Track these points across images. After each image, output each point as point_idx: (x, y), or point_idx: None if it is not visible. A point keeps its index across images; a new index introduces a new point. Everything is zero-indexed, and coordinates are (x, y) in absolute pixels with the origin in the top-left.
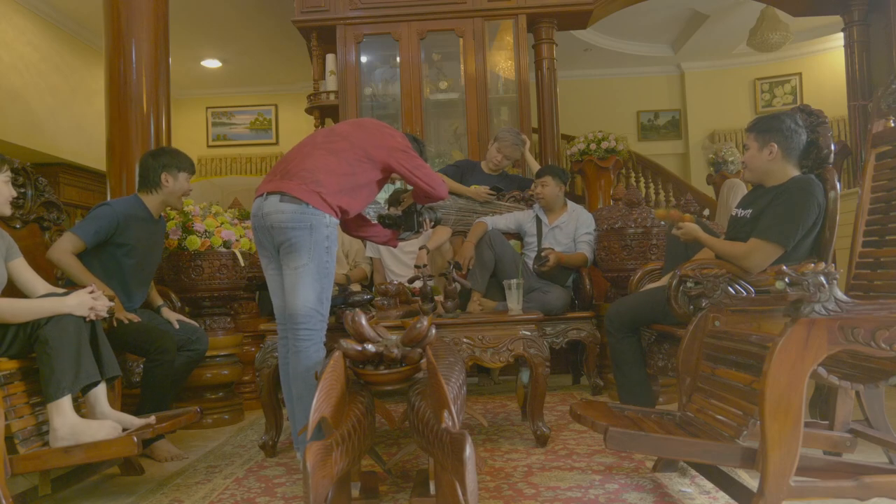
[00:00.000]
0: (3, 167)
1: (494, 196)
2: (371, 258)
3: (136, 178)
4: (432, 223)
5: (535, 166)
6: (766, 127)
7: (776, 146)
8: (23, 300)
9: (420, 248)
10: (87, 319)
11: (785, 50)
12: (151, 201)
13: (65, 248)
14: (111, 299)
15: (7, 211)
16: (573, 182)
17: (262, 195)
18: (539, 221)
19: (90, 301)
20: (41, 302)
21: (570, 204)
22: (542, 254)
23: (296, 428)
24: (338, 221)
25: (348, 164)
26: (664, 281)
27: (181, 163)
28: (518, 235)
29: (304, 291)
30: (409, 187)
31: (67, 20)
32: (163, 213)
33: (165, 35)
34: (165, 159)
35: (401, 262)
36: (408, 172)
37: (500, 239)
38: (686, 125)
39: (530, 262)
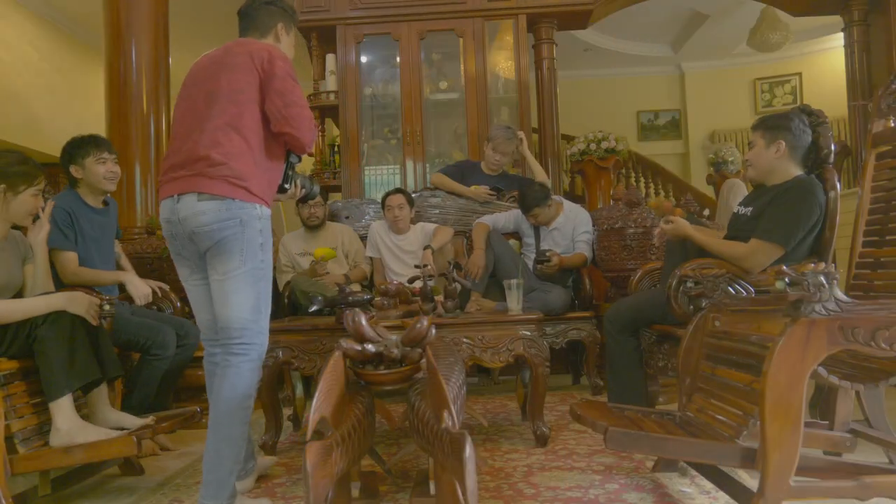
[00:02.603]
0: (37, 178)
1: (494, 196)
2: (371, 258)
3: None
4: (302, 189)
5: (536, 168)
6: (774, 124)
7: (784, 143)
8: (15, 300)
9: (425, 248)
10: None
11: (785, 50)
12: (83, 193)
13: (70, 267)
14: (110, 303)
15: (28, 223)
16: (573, 182)
17: (171, 196)
18: (536, 226)
19: (84, 297)
20: (34, 300)
21: (567, 204)
22: (547, 254)
23: (216, 481)
24: (269, 212)
25: (253, 131)
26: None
27: (82, 150)
28: (517, 235)
29: (237, 300)
30: None
31: (67, 20)
32: (107, 200)
33: (165, 35)
34: (67, 155)
35: (401, 261)
36: (279, 114)
37: (499, 239)
38: (686, 125)
39: (530, 263)
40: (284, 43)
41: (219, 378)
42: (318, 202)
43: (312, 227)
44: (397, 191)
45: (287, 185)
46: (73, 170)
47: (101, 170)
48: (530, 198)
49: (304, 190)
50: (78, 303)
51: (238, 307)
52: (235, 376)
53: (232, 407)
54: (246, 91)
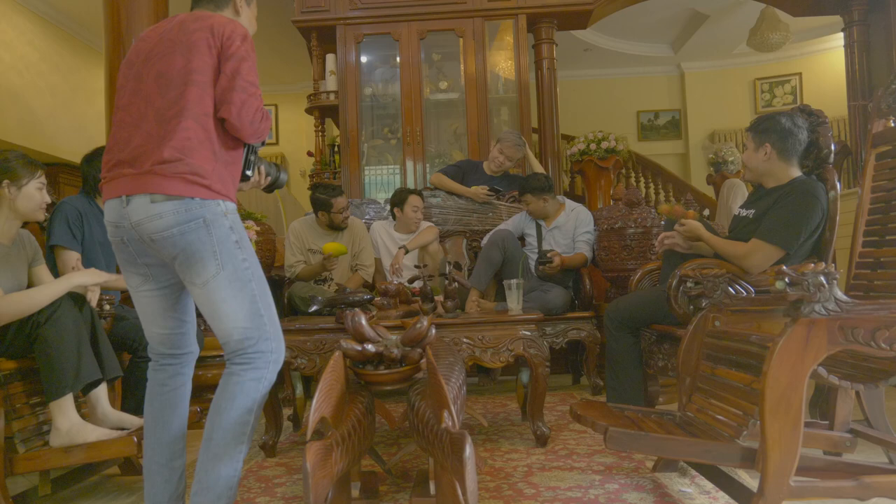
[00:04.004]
0: (36, 172)
1: (493, 196)
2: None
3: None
4: (267, 176)
5: (537, 167)
6: (762, 127)
7: (770, 147)
8: (32, 289)
9: (399, 248)
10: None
11: (785, 50)
12: (101, 202)
13: (71, 267)
14: (110, 303)
15: (41, 216)
16: (573, 182)
17: (118, 197)
18: (538, 225)
19: (95, 271)
20: (52, 283)
21: (568, 203)
22: (548, 255)
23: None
24: (235, 205)
25: (212, 118)
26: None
27: None
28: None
29: (228, 309)
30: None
31: (67, 20)
32: None
33: None
34: (97, 163)
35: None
36: (221, 97)
37: (513, 243)
38: (686, 125)
39: (531, 263)
40: (244, 16)
41: (220, 387)
42: (345, 204)
43: (342, 228)
44: (418, 192)
45: (249, 172)
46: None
47: None
48: (529, 185)
49: (269, 178)
50: (93, 276)
51: (232, 317)
52: (236, 386)
53: (228, 422)
54: (204, 72)
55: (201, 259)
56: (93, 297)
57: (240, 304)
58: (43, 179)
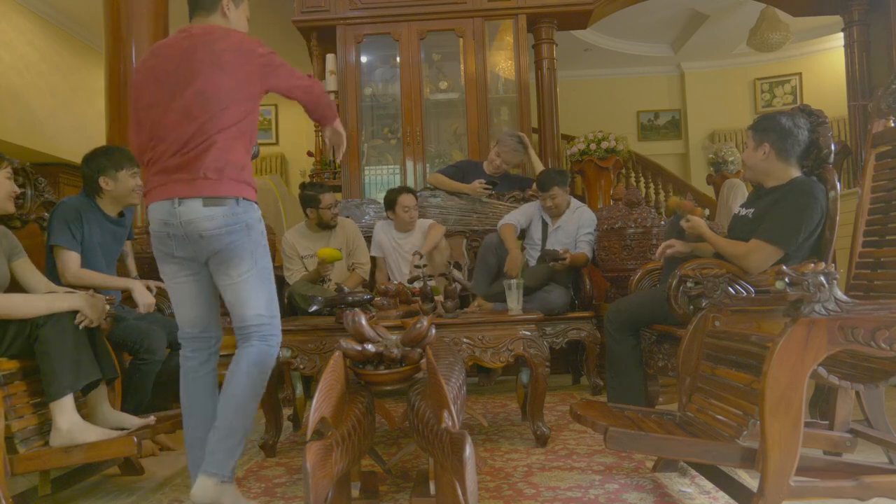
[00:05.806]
0: (3, 161)
1: (490, 189)
2: (374, 257)
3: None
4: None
5: (539, 167)
6: (762, 126)
7: (768, 146)
8: (33, 295)
9: (413, 254)
10: (79, 323)
11: (785, 50)
12: (101, 203)
13: (72, 269)
14: (110, 303)
15: (11, 207)
16: (573, 182)
17: (170, 199)
18: (544, 224)
19: (101, 303)
20: (54, 296)
21: (573, 202)
22: (561, 252)
23: (224, 450)
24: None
25: (244, 131)
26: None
27: (117, 162)
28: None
29: (254, 300)
30: None
31: (67, 20)
32: (123, 211)
33: (165, 35)
34: (98, 163)
35: (406, 261)
36: (310, 97)
37: (505, 249)
38: (686, 125)
39: (531, 262)
40: (233, 18)
41: (236, 356)
42: (333, 201)
43: (332, 226)
44: (409, 190)
45: None
46: (102, 181)
47: (132, 183)
48: (554, 178)
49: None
50: (96, 308)
51: (255, 306)
52: (252, 348)
53: (250, 379)
54: (238, 89)
55: (240, 257)
56: (81, 321)
57: (262, 296)
58: (9, 170)
